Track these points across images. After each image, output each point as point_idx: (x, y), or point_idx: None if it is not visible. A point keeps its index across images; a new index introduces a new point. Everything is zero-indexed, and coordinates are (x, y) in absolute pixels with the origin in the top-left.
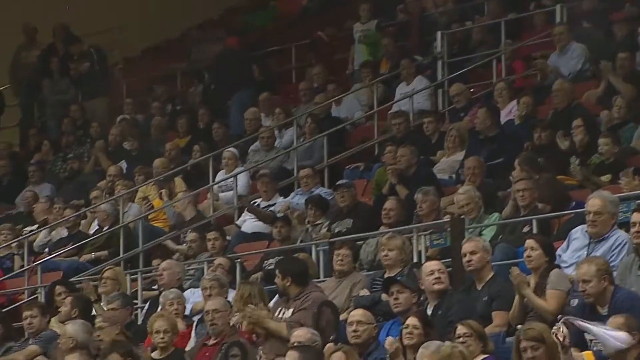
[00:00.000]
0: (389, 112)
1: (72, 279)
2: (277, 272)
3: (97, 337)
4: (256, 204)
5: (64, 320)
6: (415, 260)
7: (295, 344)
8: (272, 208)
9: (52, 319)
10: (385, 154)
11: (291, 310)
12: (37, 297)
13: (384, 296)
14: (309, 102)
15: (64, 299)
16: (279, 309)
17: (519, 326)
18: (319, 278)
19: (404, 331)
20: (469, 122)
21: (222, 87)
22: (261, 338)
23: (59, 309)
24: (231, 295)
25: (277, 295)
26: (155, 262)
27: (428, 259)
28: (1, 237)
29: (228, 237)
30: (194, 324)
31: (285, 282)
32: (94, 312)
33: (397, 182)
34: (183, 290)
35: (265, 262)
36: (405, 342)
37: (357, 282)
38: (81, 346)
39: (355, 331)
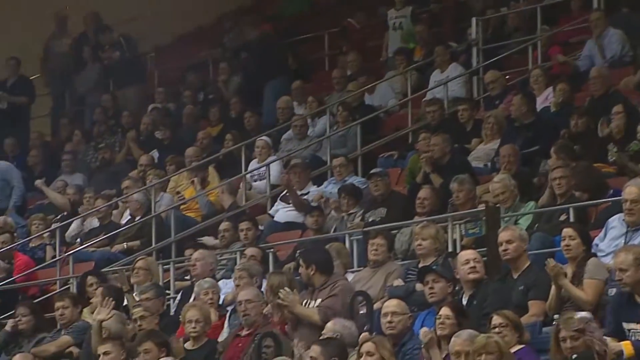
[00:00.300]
0: (423, 99)
1: (104, 270)
2: (300, 261)
3: (137, 327)
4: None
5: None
6: (450, 249)
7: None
8: (305, 197)
9: (85, 310)
10: (419, 141)
11: (318, 300)
12: (69, 287)
13: (418, 286)
14: (342, 90)
15: (96, 289)
16: (304, 300)
17: (555, 316)
18: (352, 268)
19: (437, 321)
20: (504, 110)
21: (256, 74)
22: (291, 324)
23: (91, 300)
24: (264, 285)
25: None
26: (187, 252)
27: (463, 248)
28: (33, 227)
29: (261, 227)
30: (227, 314)
31: (309, 271)
32: (125, 303)
33: (431, 171)
34: (216, 280)
35: (298, 252)
36: (438, 332)
37: (392, 271)
38: (114, 336)
39: (390, 322)
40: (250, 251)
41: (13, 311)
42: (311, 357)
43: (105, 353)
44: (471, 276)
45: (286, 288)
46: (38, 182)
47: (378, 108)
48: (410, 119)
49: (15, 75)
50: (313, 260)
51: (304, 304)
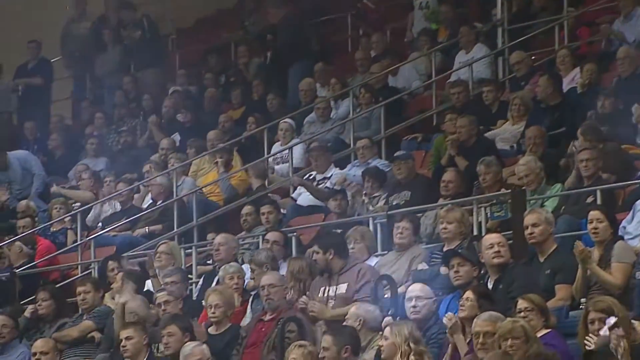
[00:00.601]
0: (448, 81)
1: (125, 254)
2: (316, 248)
3: (162, 311)
4: (312, 177)
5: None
6: (475, 232)
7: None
8: (327, 181)
9: (106, 294)
10: (445, 122)
11: (342, 286)
12: (90, 272)
13: (443, 269)
14: (365, 72)
15: (117, 274)
16: (322, 287)
17: (582, 300)
18: (377, 252)
19: (460, 304)
20: (530, 91)
21: (280, 57)
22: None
23: (112, 285)
24: (284, 270)
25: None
26: (209, 236)
27: (488, 231)
28: (54, 211)
29: (283, 211)
30: (250, 299)
31: (327, 256)
32: (147, 287)
33: (456, 153)
34: (240, 264)
35: (314, 239)
36: (460, 314)
37: (417, 255)
38: (141, 320)
39: (414, 307)
40: (271, 235)
41: (34, 296)
42: (323, 347)
43: (127, 338)
44: (495, 260)
45: (314, 302)
46: (55, 188)
47: (402, 90)
48: (434, 100)
49: (36, 58)
50: (330, 245)
51: (322, 291)
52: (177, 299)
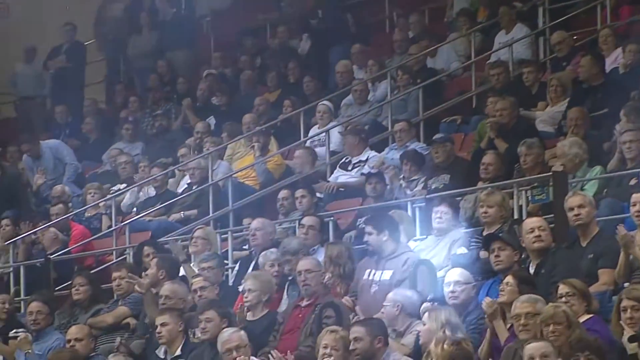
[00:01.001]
0: (487, 62)
1: (161, 239)
2: (370, 228)
3: (197, 297)
4: (348, 160)
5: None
6: (515, 216)
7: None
8: (363, 164)
9: None
10: (487, 105)
11: (387, 272)
12: (125, 258)
13: (482, 254)
14: (403, 54)
15: (152, 260)
16: (369, 270)
17: (626, 284)
18: (415, 236)
19: (499, 289)
20: (572, 72)
21: (320, 39)
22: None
23: (146, 272)
24: (320, 255)
25: (363, 260)
26: (245, 221)
27: (529, 215)
28: (89, 196)
29: (319, 195)
30: (286, 285)
31: (382, 237)
32: (182, 273)
33: (495, 136)
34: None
35: (359, 220)
36: (500, 300)
37: (457, 239)
38: (176, 306)
39: (452, 292)
40: (307, 220)
41: (69, 282)
42: (355, 337)
43: (162, 324)
44: (536, 245)
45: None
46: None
47: (440, 71)
48: (474, 82)
49: (71, 41)
50: (385, 227)
51: (368, 273)
52: (213, 285)
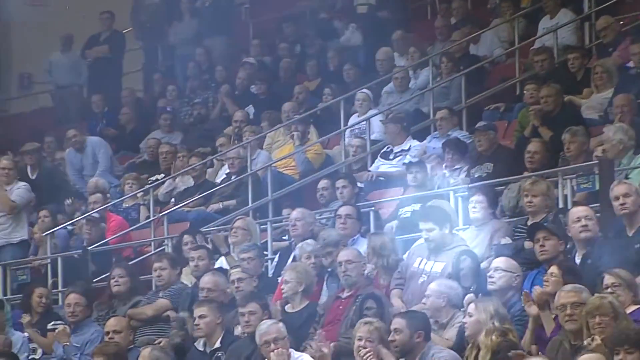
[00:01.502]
0: (531, 48)
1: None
2: (431, 224)
3: (235, 289)
4: (389, 149)
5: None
6: (560, 205)
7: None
8: (405, 153)
9: (184, 271)
10: (526, 92)
11: (439, 264)
12: (163, 249)
13: (527, 244)
14: (445, 40)
15: (191, 249)
16: (420, 258)
17: None
18: (457, 226)
19: (544, 279)
20: (618, 58)
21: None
22: None
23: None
24: (361, 245)
25: (414, 245)
26: (285, 211)
27: (574, 204)
28: (126, 187)
29: (360, 184)
30: (325, 277)
31: (444, 231)
32: (221, 264)
33: (540, 124)
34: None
35: (401, 210)
36: (544, 290)
37: (498, 229)
38: (217, 299)
39: (490, 277)
40: (343, 210)
41: (107, 273)
42: (395, 329)
43: (201, 316)
44: (583, 235)
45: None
46: None
47: (483, 58)
48: (517, 69)
49: (109, 29)
50: (445, 220)
51: (419, 262)
52: (251, 277)
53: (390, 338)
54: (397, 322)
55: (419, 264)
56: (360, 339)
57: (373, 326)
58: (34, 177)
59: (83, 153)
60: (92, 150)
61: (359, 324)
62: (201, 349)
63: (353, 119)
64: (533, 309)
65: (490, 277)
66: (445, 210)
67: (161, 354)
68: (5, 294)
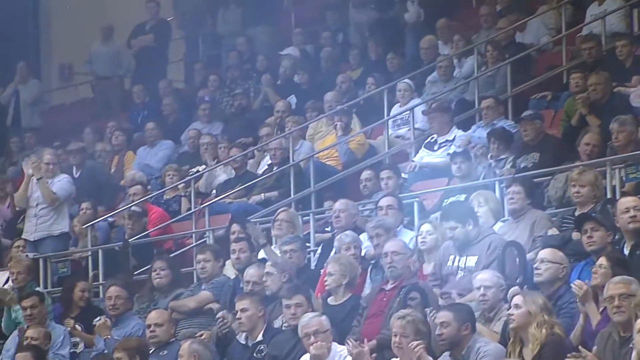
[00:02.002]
0: (579, 35)
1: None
2: (453, 223)
3: (263, 283)
4: (434, 139)
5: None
6: (608, 196)
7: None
8: (449, 144)
9: (227, 263)
10: (572, 81)
11: (472, 258)
12: (205, 241)
13: (575, 235)
14: (490, 28)
15: (234, 241)
16: (452, 256)
17: None
18: (503, 217)
19: (592, 271)
20: None
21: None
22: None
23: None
24: (404, 235)
25: (443, 245)
26: (326, 203)
27: (623, 194)
28: (167, 178)
29: (404, 175)
30: (369, 268)
31: (467, 227)
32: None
33: (587, 112)
34: (359, 232)
35: (445, 201)
36: (592, 282)
37: (537, 220)
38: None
39: (537, 269)
40: (385, 201)
41: (148, 266)
42: (442, 322)
43: (242, 310)
44: (631, 226)
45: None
46: None
47: (530, 46)
48: (564, 57)
49: (155, 18)
50: (467, 216)
51: (452, 259)
52: (282, 272)
53: (437, 332)
54: (444, 316)
55: (452, 262)
56: (395, 335)
57: (406, 320)
58: (77, 176)
59: (152, 148)
60: (160, 147)
61: (393, 319)
62: (243, 342)
63: (395, 109)
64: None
65: (536, 268)
66: (467, 206)
67: (201, 347)
68: (45, 287)
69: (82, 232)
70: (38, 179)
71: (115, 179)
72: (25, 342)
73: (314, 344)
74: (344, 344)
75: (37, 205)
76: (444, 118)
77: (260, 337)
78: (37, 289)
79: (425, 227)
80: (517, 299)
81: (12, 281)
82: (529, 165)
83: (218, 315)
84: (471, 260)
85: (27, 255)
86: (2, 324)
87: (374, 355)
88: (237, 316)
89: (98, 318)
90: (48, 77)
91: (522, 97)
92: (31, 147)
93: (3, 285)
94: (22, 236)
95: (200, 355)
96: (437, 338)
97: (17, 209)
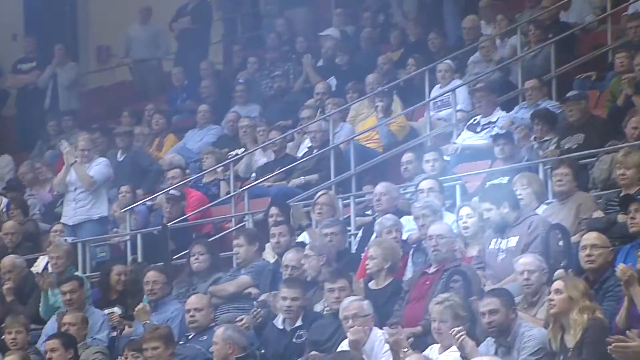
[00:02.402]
0: (624, 14)
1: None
2: (488, 204)
3: (301, 266)
4: (476, 121)
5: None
6: None
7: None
8: (492, 125)
9: (267, 246)
10: (617, 61)
11: (513, 239)
12: (244, 224)
13: (620, 217)
14: (534, 7)
15: (273, 225)
16: (494, 239)
17: None
18: (547, 199)
19: (638, 254)
20: None
21: None
22: None
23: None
24: (446, 218)
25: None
26: (366, 187)
27: None
28: (205, 162)
29: (447, 157)
30: (411, 252)
31: (502, 210)
32: (303, 239)
33: (633, 93)
34: (400, 215)
35: (488, 183)
36: (638, 265)
37: (583, 203)
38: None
39: (589, 255)
40: (426, 184)
41: (187, 250)
42: (491, 310)
43: (294, 299)
44: None
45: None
46: None
47: (574, 25)
48: (609, 36)
49: (195, 0)
50: (502, 198)
51: (494, 242)
52: (320, 255)
53: (486, 320)
54: (492, 303)
55: (494, 244)
56: (434, 320)
57: (444, 305)
58: (121, 159)
59: (201, 131)
60: (207, 132)
61: (432, 304)
62: (280, 327)
63: (435, 91)
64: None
65: (588, 255)
66: (506, 189)
67: (235, 333)
68: (84, 272)
69: (121, 216)
70: (72, 164)
71: (158, 164)
72: (63, 328)
73: (351, 329)
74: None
75: (75, 189)
76: (490, 99)
77: (299, 322)
78: (76, 273)
79: (465, 210)
80: (558, 284)
81: (51, 266)
82: (574, 147)
83: (261, 298)
84: (512, 241)
85: (65, 240)
86: (41, 309)
87: (411, 340)
88: (288, 304)
89: (142, 304)
90: (86, 60)
91: (566, 78)
92: (69, 131)
93: (42, 270)
94: (61, 220)
95: (235, 341)
96: (484, 325)
97: (55, 193)
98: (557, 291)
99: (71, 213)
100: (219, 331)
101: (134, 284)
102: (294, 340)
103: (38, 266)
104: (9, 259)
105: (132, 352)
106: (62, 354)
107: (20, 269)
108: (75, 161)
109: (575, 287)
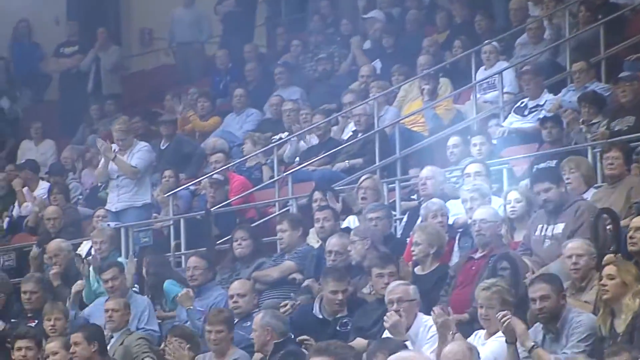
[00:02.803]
0: None
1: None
2: (548, 183)
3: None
4: (524, 104)
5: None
6: None
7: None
8: (540, 108)
9: (311, 231)
10: None
11: (559, 225)
12: (288, 209)
13: None
14: None
15: (318, 210)
16: (541, 225)
17: None
18: (596, 183)
19: None
20: None
21: None
22: None
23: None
24: (495, 203)
25: (532, 217)
26: (411, 171)
27: None
28: (247, 146)
29: (493, 141)
30: (457, 237)
31: (561, 189)
32: (348, 224)
33: None
34: (446, 199)
35: (535, 167)
36: None
37: (634, 187)
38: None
39: (631, 237)
40: (472, 167)
41: (230, 235)
42: (542, 296)
43: (344, 292)
44: None
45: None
46: None
47: (624, 6)
48: None
49: None
50: (555, 181)
51: (540, 229)
52: (363, 239)
53: (537, 306)
54: (542, 288)
55: (541, 231)
56: (481, 307)
57: (491, 291)
58: (164, 147)
59: (239, 116)
60: (247, 116)
61: (478, 289)
62: (320, 316)
63: (481, 73)
64: None
65: (631, 237)
66: (556, 170)
67: (273, 320)
68: (127, 257)
69: (164, 200)
70: (113, 159)
71: (201, 148)
72: (107, 315)
73: (388, 313)
74: (430, 315)
75: (117, 176)
76: (537, 81)
77: (345, 312)
78: (120, 259)
79: (513, 194)
80: (610, 269)
81: (95, 250)
82: (624, 129)
83: (305, 284)
84: (559, 227)
85: (108, 225)
86: (84, 294)
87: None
88: (340, 298)
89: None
90: (128, 44)
91: (616, 59)
92: (112, 115)
93: (85, 256)
94: (106, 207)
95: (273, 327)
96: (534, 311)
97: (99, 185)
98: (610, 276)
99: (115, 199)
100: (257, 317)
101: (156, 276)
102: (338, 328)
103: (82, 251)
104: (54, 243)
105: (176, 337)
106: (86, 347)
107: (67, 253)
108: (115, 156)
109: (629, 271)
